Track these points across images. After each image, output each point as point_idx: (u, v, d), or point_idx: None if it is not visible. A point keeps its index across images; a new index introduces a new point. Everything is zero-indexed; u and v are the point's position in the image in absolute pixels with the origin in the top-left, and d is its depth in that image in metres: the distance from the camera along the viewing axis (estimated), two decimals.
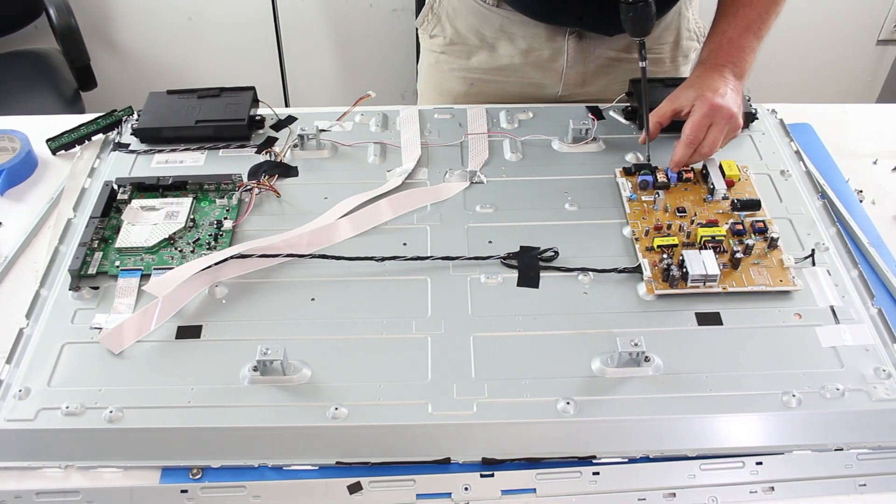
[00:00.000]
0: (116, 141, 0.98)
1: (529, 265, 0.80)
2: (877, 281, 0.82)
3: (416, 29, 1.14)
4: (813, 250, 0.81)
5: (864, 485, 0.65)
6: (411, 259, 0.80)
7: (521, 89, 1.10)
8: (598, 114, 1.01)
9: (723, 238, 0.80)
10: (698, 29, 1.10)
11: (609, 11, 0.87)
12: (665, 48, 1.08)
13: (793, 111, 1.04)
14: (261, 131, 0.99)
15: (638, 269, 0.79)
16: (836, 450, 0.67)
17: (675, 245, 0.80)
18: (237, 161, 0.94)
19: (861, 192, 0.94)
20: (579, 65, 1.06)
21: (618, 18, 0.85)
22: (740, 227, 0.81)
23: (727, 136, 0.88)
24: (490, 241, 0.83)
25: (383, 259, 0.80)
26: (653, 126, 0.91)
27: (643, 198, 0.87)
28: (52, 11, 1.75)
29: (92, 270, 0.79)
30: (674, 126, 0.92)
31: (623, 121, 1.00)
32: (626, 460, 0.66)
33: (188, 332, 0.74)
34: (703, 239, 0.80)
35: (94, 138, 0.99)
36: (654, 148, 0.95)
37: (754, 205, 0.85)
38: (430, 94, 1.17)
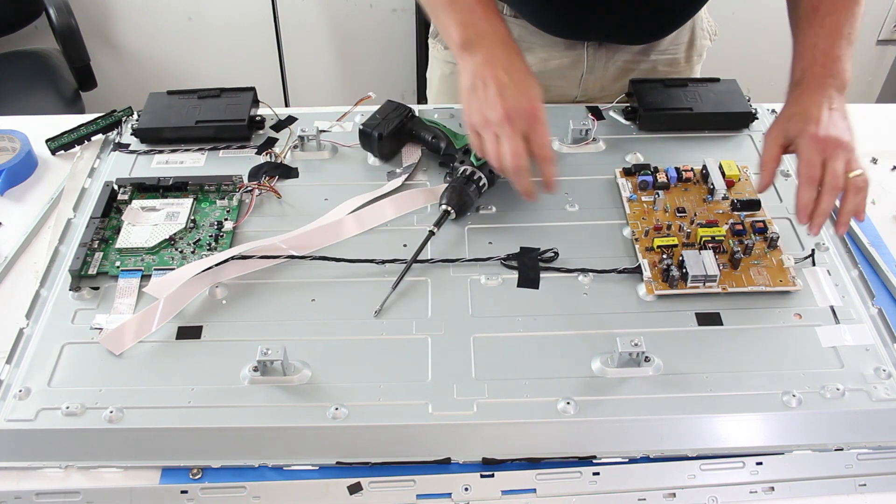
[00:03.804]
0: (116, 141, 0.98)
1: (529, 266, 0.80)
2: (877, 281, 0.82)
3: (429, 40, 1.13)
4: (813, 250, 0.81)
5: (865, 485, 0.65)
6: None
7: None
8: (598, 114, 1.01)
9: (722, 238, 0.80)
10: (711, 28, 1.10)
11: (634, 22, 0.84)
12: (680, 48, 1.08)
13: None
14: (261, 132, 0.99)
15: (638, 270, 0.79)
16: (836, 450, 0.67)
17: (675, 245, 0.80)
18: (237, 162, 0.94)
19: None
20: (598, 71, 1.06)
21: (642, 27, 0.82)
22: (740, 227, 0.81)
23: (850, 163, 0.76)
24: (490, 242, 0.83)
25: (384, 262, 0.80)
26: (768, 174, 0.80)
27: (643, 198, 0.87)
28: (52, 11, 1.75)
29: (92, 271, 0.79)
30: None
31: (623, 121, 1.00)
32: (626, 460, 0.66)
33: (189, 332, 0.74)
34: (703, 239, 0.80)
35: (94, 138, 0.99)
36: (652, 145, 0.95)
37: (754, 205, 0.85)
38: (444, 104, 1.15)
